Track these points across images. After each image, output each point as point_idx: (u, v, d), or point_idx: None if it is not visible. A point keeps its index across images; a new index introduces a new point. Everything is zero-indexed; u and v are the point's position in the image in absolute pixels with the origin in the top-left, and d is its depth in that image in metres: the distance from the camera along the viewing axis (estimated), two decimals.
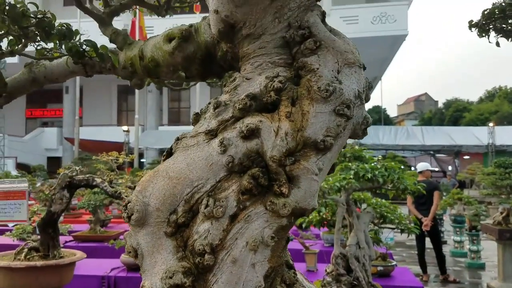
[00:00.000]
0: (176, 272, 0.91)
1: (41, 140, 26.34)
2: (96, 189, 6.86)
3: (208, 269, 0.92)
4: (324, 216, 3.67)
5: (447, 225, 12.78)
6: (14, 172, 14.00)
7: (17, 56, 1.42)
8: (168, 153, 0.98)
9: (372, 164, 3.11)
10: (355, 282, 3.04)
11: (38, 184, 11.45)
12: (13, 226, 6.04)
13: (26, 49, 1.43)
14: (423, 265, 7.68)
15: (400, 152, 23.98)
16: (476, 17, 2.91)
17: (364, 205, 3.75)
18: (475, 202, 9.51)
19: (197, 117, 1.01)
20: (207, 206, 0.92)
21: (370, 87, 1.02)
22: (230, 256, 0.92)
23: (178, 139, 0.99)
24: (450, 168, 25.46)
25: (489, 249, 10.30)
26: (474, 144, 24.76)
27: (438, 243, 7.67)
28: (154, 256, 0.94)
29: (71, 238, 6.60)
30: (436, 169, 26.34)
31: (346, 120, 0.94)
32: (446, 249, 10.99)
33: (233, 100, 0.96)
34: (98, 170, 3.87)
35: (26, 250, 3.14)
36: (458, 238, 10.39)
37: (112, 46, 1.42)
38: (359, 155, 3.28)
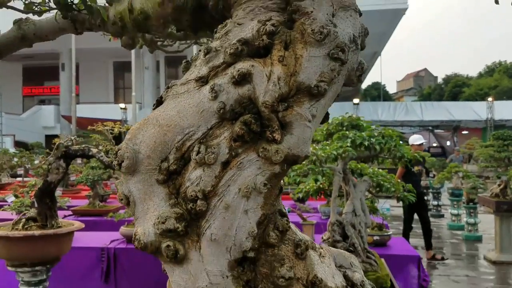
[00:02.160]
0: (169, 217, 0.90)
1: (38, 118, 26.24)
2: (94, 164, 6.86)
3: (201, 215, 0.91)
4: (321, 186, 3.67)
5: (444, 199, 12.89)
6: (12, 150, 13.98)
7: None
8: (158, 102, 0.96)
9: (369, 132, 3.10)
10: (351, 248, 3.06)
11: (37, 162, 11.45)
12: (11, 201, 6.06)
13: (15, 5, 1.39)
14: (407, 238, 7.76)
15: (399, 128, 23.98)
16: None
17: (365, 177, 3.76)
18: (473, 176, 9.55)
19: (188, 65, 0.99)
20: (198, 152, 0.90)
21: (366, 33, 1.00)
22: (223, 203, 0.91)
23: (168, 87, 0.97)
24: (448, 143, 25.50)
25: (486, 222, 10.41)
26: (473, 119, 24.75)
27: (427, 215, 7.66)
28: (146, 203, 0.93)
29: (70, 212, 6.63)
30: (435, 144, 26.40)
31: (341, 64, 0.91)
32: (443, 223, 11.11)
33: (224, 46, 0.93)
34: (94, 141, 3.85)
35: (23, 220, 3.14)
36: (455, 212, 10.48)
37: (102, 2, 1.38)
38: (357, 124, 3.26)
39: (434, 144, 26.42)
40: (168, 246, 0.90)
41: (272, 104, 0.88)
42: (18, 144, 19.71)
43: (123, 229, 4.85)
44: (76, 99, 20.68)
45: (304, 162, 3.13)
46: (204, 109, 0.91)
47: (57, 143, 3.08)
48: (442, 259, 7.38)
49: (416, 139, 7.82)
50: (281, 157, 0.90)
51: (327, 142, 3.19)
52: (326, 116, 0.99)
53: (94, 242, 4.83)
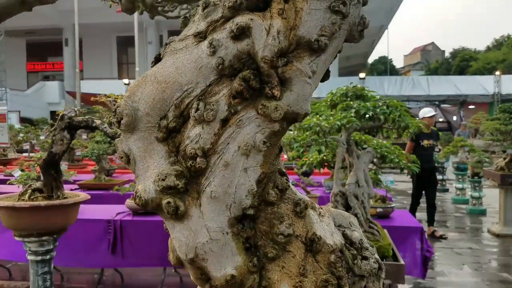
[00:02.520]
0: (169, 174, 0.90)
1: (43, 94, 26.25)
2: (99, 138, 6.88)
3: (201, 172, 0.91)
4: (324, 157, 3.67)
5: (449, 174, 12.89)
6: (17, 125, 14.05)
7: None
8: (156, 59, 0.95)
9: (374, 102, 3.07)
10: None
11: (42, 137, 11.51)
12: (18, 175, 6.11)
13: None
14: (414, 214, 7.62)
15: (405, 103, 23.77)
16: None
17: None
18: (479, 150, 9.50)
19: (186, 21, 0.97)
20: (197, 109, 0.89)
21: None
22: (222, 160, 0.91)
23: (166, 44, 0.95)
24: (455, 118, 25.32)
25: (491, 196, 10.42)
26: (479, 93, 24.50)
27: (435, 192, 7.58)
28: (146, 161, 0.93)
29: (76, 186, 6.70)
30: (441, 119, 26.22)
31: (342, 18, 0.89)
32: (448, 197, 11.13)
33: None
34: (97, 112, 3.84)
35: (29, 191, 3.17)
36: (460, 186, 10.49)
37: None
38: (361, 94, 3.23)
39: (441, 119, 26.25)
40: (168, 202, 0.91)
41: (271, 59, 0.87)
42: (23, 120, 19.79)
43: (128, 202, 4.91)
44: (80, 75, 20.63)
45: (307, 133, 3.12)
46: (203, 65, 0.89)
47: (60, 114, 3.08)
48: (441, 237, 7.33)
49: (427, 111, 7.65)
50: (280, 114, 0.89)
51: (331, 112, 3.17)
52: (327, 73, 0.98)
53: (101, 215, 4.89)
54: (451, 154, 10.69)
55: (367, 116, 3.00)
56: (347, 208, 3.21)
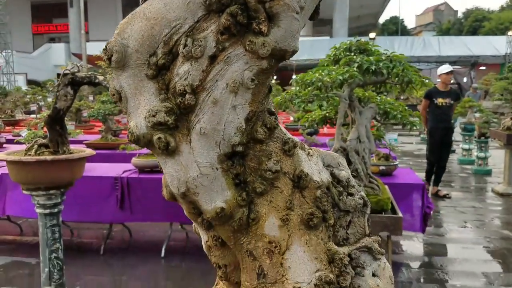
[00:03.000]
0: (159, 111, 0.92)
1: (49, 56, 26.15)
2: (104, 98, 6.91)
3: (190, 109, 0.94)
4: (327, 114, 3.68)
5: (456, 134, 12.84)
6: (24, 87, 14.10)
7: None
8: None
9: (377, 57, 3.05)
10: (354, 174, 3.12)
11: (49, 99, 11.57)
12: (25, 134, 6.19)
13: None
14: (430, 175, 7.43)
15: (416, 64, 23.41)
16: None
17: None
18: (486, 110, 9.42)
19: None
20: (185, 46, 0.91)
21: None
22: (211, 97, 0.93)
23: None
24: (465, 80, 24.92)
25: (496, 157, 10.41)
26: (491, 54, 24.01)
27: (447, 154, 7.42)
28: (137, 98, 0.95)
29: (83, 146, 6.79)
30: (451, 81, 25.84)
31: None
32: (454, 158, 11.13)
33: None
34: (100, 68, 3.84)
35: (36, 146, 3.24)
36: (466, 146, 10.47)
37: None
38: (365, 48, 3.20)
39: (451, 81, 25.87)
40: (159, 138, 0.94)
41: None
42: (30, 82, 19.82)
43: (134, 160, 4.99)
44: (85, 36, 20.46)
45: (309, 89, 3.12)
46: (190, 0, 0.90)
47: (63, 70, 3.10)
48: (445, 196, 7.32)
49: (443, 68, 7.35)
50: (267, 50, 0.90)
51: (334, 67, 3.15)
52: (316, 11, 0.98)
53: (108, 172, 5.00)
54: (459, 115, 10.62)
55: (370, 70, 2.98)
56: (348, 163, 3.24)
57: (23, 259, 4.80)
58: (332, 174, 1.09)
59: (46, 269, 3.34)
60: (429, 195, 7.27)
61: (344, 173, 1.10)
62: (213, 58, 0.92)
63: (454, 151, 12.02)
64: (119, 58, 0.92)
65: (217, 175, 0.97)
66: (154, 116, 0.92)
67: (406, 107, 3.59)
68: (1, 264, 4.68)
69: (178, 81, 0.92)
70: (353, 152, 3.13)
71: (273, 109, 1.04)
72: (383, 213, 3.03)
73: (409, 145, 14.02)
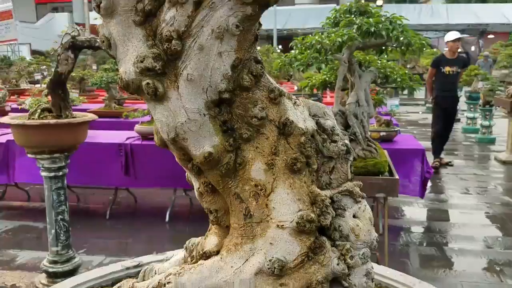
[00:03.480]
0: (147, 57, 0.95)
1: (52, 25, 25.93)
2: (107, 66, 6.91)
3: (177, 56, 0.96)
4: (327, 78, 3.68)
5: (461, 103, 12.75)
6: (28, 58, 14.08)
7: None
8: None
9: (377, 18, 3.02)
10: (352, 137, 3.15)
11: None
12: (29, 101, 6.23)
13: None
14: (437, 149, 7.27)
15: (423, 33, 23.00)
16: None
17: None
18: (492, 77, 9.32)
19: None
20: None
21: None
22: (197, 44, 0.95)
23: None
24: (473, 48, 24.52)
25: (501, 126, 10.36)
26: (500, 22, 23.51)
27: (452, 124, 7.35)
28: (125, 45, 0.98)
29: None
30: (459, 50, 25.44)
31: None
32: (458, 127, 11.10)
33: None
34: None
35: (39, 111, 3.29)
36: (471, 115, 10.43)
37: None
38: (365, 10, 3.17)
39: (459, 49, 25.47)
40: (148, 83, 0.97)
41: None
42: (34, 52, 19.75)
43: (137, 127, 5.04)
44: (88, 6, 20.22)
45: (308, 51, 3.11)
46: None
47: (64, 33, 3.11)
48: (447, 164, 7.27)
49: (450, 35, 7.14)
50: None
51: (334, 30, 3.13)
52: None
53: (112, 139, 5.06)
54: (465, 84, 10.53)
55: (369, 32, 2.96)
56: (346, 127, 3.27)
57: (30, 223, 4.94)
58: (318, 123, 1.13)
59: (53, 231, 3.44)
60: (432, 164, 7.20)
61: (330, 122, 1.13)
62: (198, 4, 0.94)
63: (458, 120, 11.97)
64: (108, 4, 0.94)
65: (204, 121, 1.01)
66: (142, 62, 0.95)
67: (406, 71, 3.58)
68: (10, 228, 4.82)
69: (164, 27, 0.95)
70: (351, 116, 3.15)
71: (259, 58, 1.06)
72: (380, 175, 3.07)
73: (414, 115, 13.96)
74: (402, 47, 3.09)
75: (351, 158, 1.12)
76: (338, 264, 1.00)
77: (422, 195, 4.32)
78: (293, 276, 1.00)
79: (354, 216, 1.07)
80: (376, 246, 1.08)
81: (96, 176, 4.96)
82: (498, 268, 3.83)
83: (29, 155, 3.27)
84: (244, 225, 1.05)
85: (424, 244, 4.40)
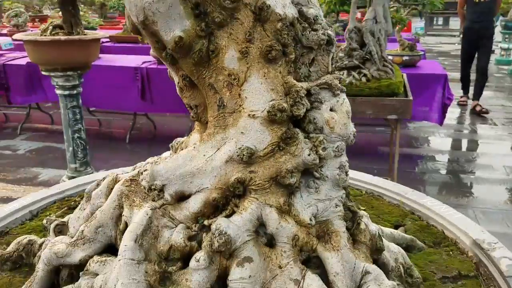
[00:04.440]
0: None
1: None
2: None
3: None
4: None
5: (497, 34, 12.04)
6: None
7: None
8: None
9: None
10: (367, 56, 3.02)
11: None
12: None
13: None
14: (465, 83, 6.68)
15: None
16: None
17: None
18: None
19: None
20: None
21: None
22: None
23: None
24: None
25: None
26: None
27: (485, 58, 6.37)
28: None
29: (107, 39, 6.84)
30: None
31: None
32: (492, 58, 10.58)
33: None
34: None
35: (50, 28, 3.29)
36: (505, 46, 9.91)
37: None
38: None
39: None
40: None
41: None
42: None
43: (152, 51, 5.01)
44: None
45: None
46: None
47: None
48: (481, 111, 6.28)
49: None
50: None
51: None
52: None
53: (128, 63, 5.06)
54: (502, 13, 9.90)
55: None
56: (362, 45, 3.13)
57: (53, 144, 5.11)
58: (300, 12, 1.06)
59: (70, 148, 3.56)
60: (459, 102, 6.68)
61: (313, 10, 1.06)
62: None
63: (493, 52, 11.39)
64: None
65: (174, 1, 0.96)
66: None
67: None
68: (34, 149, 5.01)
69: None
70: (368, 33, 3.01)
71: None
72: (395, 96, 2.97)
73: (448, 45, 13.36)
74: None
75: (333, 50, 1.06)
76: (309, 155, 0.98)
77: (441, 122, 4.20)
78: (262, 164, 0.99)
79: (331, 110, 1.03)
80: (353, 140, 1.05)
81: (114, 100, 5.02)
82: None
83: (43, 72, 3.30)
84: (218, 115, 1.03)
85: (441, 172, 4.36)
